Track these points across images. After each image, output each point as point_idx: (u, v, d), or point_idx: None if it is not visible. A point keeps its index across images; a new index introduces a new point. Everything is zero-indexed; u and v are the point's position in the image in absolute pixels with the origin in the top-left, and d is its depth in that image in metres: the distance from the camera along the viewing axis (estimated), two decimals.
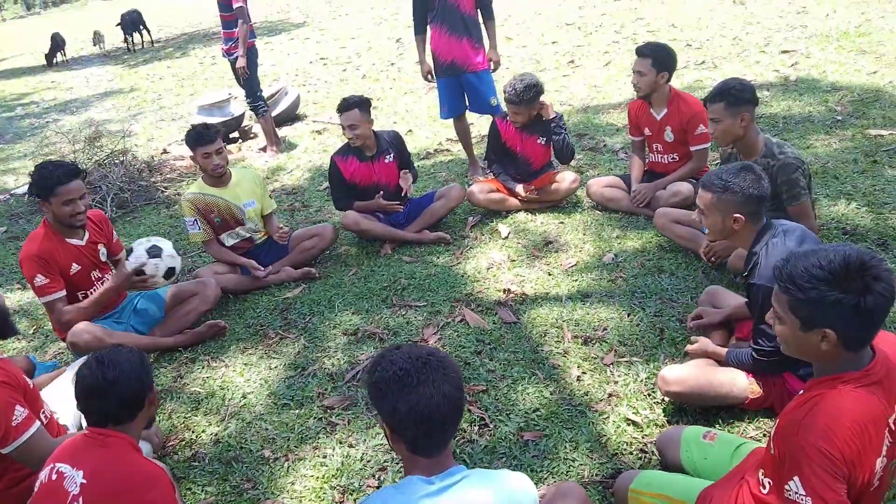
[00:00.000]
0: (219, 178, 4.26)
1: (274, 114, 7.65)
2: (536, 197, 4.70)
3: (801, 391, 1.85)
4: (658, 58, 4.16)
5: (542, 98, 4.58)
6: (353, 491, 2.65)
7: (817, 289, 1.66)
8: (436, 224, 4.73)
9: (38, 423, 2.41)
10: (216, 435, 3.08)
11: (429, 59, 5.43)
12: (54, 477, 1.98)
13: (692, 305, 3.40)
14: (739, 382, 2.57)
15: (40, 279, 3.44)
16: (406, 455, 1.68)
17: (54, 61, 18.28)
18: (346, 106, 4.42)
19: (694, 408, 2.73)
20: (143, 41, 19.07)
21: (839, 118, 5.31)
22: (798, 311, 1.72)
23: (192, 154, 4.22)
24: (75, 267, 3.59)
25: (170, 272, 3.66)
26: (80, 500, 1.91)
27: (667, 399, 2.78)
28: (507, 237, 4.47)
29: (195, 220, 4.23)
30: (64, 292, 3.53)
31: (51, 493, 1.96)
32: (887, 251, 3.55)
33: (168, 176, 6.81)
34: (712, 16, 9.93)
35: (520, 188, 4.70)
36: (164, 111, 10.10)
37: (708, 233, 2.61)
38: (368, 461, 2.79)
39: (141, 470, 1.99)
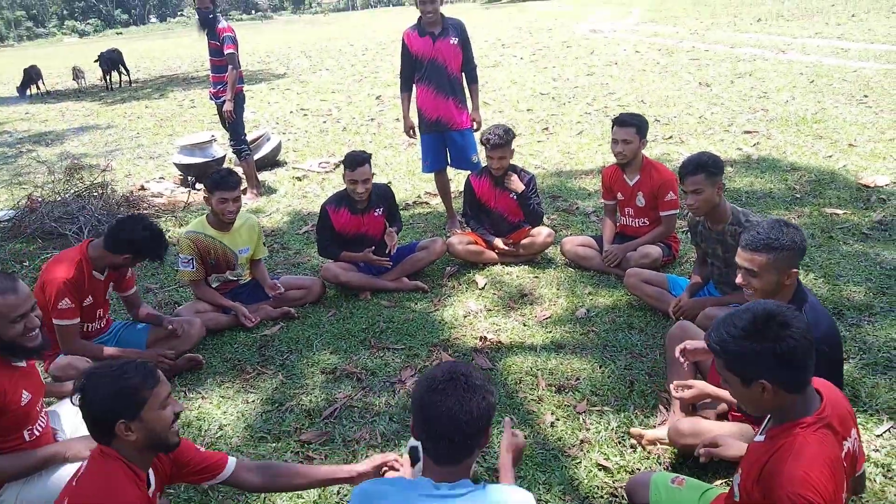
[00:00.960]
0: (227, 223, 4.33)
1: (255, 158, 7.78)
2: (513, 250, 4.87)
3: (759, 437, 2.01)
4: (641, 126, 4.45)
5: (510, 172, 4.80)
6: None
7: (736, 344, 1.86)
8: (415, 273, 4.85)
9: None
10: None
11: (412, 116, 5.65)
12: None
13: (660, 361, 3.56)
14: (746, 431, 2.63)
15: (66, 303, 3.48)
16: (426, 458, 1.83)
17: (28, 93, 18.26)
18: (359, 161, 4.50)
19: (664, 457, 2.86)
20: (121, 80, 19.19)
21: (798, 196, 5.66)
22: (733, 369, 1.90)
23: (207, 195, 4.25)
24: (89, 300, 3.65)
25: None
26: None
27: (638, 448, 2.91)
28: (483, 288, 4.61)
29: (191, 258, 4.25)
30: (79, 320, 3.59)
31: None
32: (842, 320, 3.78)
33: (145, 212, 6.84)
34: (679, 95, 10.48)
35: (497, 241, 4.87)
36: (142, 149, 10.15)
37: (750, 294, 2.60)
38: (345, 496, 2.82)
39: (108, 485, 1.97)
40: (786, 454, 1.85)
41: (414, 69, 5.45)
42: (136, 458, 2.06)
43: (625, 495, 2.66)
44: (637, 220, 4.64)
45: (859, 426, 2.35)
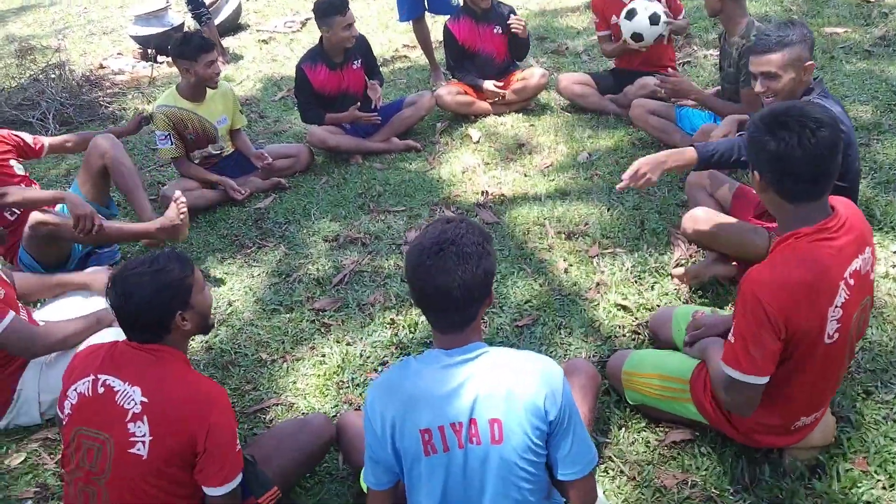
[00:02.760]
0: (202, 90, 4.03)
1: (216, 23, 7.25)
2: (505, 97, 4.65)
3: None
4: None
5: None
6: (358, 385, 2.70)
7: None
8: (405, 132, 4.66)
9: (11, 313, 2.42)
10: (206, 342, 3.06)
11: None
12: (101, 390, 1.86)
13: (669, 198, 3.50)
14: (762, 232, 2.61)
15: None
16: (432, 327, 1.72)
17: None
18: (343, 4, 4.16)
19: (682, 292, 2.85)
20: None
21: (795, 17, 5.38)
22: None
23: (185, 63, 3.91)
24: None
25: (654, 17, 4.00)
26: (144, 419, 1.82)
27: (660, 284, 2.90)
28: (478, 141, 4.45)
29: (168, 134, 3.99)
30: None
31: (104, 407, 1.85)
32: None
33: (109, 91, 6.44)
34: None
35: (488, 83, 4.62)
36: (93, 25, 9.42)
37: (771, 99, 2.56)
38: (368, 357, 2.83)
39: (202, 389, 1.90)
40: (768, 259, 1.84)
41: None
42: (184, 347, 2.02)
43: (647, 333, 2.69)
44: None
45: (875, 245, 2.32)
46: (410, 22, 5.40)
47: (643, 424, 2.34)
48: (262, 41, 7.38)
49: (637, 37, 4.05)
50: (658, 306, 2.82)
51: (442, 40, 4.93)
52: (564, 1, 6.88)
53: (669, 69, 4.36)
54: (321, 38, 4.36)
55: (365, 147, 4.51)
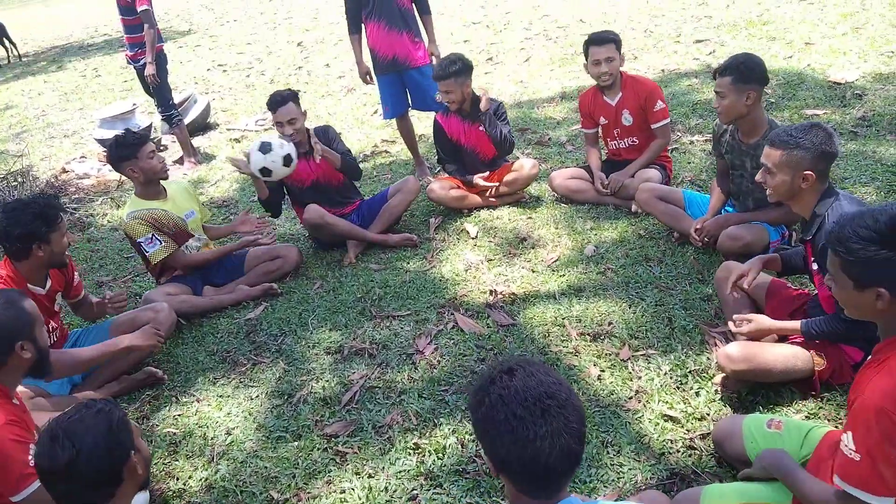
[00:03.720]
0: (156, 191, 3.86)
1: (185, 123, 7.09)
2: (494, 187, 4.53)
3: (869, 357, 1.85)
4: (618, 40, 4.14)
5: (478, 87, 4.44)
6: None
7: (866, 249, 1.69)
8: (395, 224, 4.48)
9: None
10: (207, 480, 2.71)
11: (366, 60, 5.16)
12: None
13: (692, 292, 3.35)
14: (802, 356, 2.50)
15: None
16: (512, 492, 1.48)
17: None
18: (280, 100, 4.12)
19: (736, 396, 2.65)
20: (9, 55, 17.45)
21: (772, 100, 5.48)
22: (850, 271, 1.74)
23: (127, 164, 3.77)
24: None
25: (287, 159, 3.91)
26: None
27: (706, 390, 2.70)
28: (476, 237, 4.28)
29: (152, 235, 3.78)
30: None
31: None
32: None
33: (75, 196, 6.15)
34: (617, 10, 10.17)
35: (477, 178, 4.52)
36: (53, 128, 9.18)
37: (770, 194, 2.53)
38: (395, 491, 2.51)
39: None
40: (882, 368, 1.70)
41: (360, 5, 4.93)
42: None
43: (704, 447, 2.46)
44: (626, 140, 4.36)
45: None
46: (394, 119, 5.32)
47: None
48: (234, 140, 7.24)
49: (265, 172, 3.96)
50: (708, 415, 2.60)
51: (424, 133, 4.83)
52: (537, 92, 6.95)
53: (662, 159, 4.36)
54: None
55: (359, 234, 4.30)
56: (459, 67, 4.32)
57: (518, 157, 4.94)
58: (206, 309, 3.89)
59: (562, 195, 4.52)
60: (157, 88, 6.26)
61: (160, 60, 6.22)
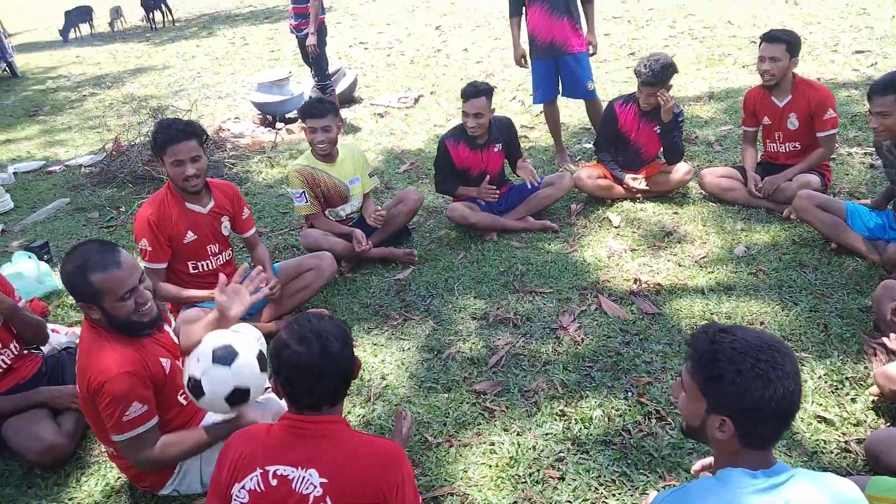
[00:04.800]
0: (325, 155, 4.12)
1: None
2: (645, 188, 4.55)
3: None
4: (793, 42, 4.04)
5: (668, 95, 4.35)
6: (536, 482, 2.51)
7: None
8: (540, 212, 4.59)
9: (151, 421, 2.31)
10: (364, 417, 2.94)
11: (522, 44, 5.27)
12: (274, 482, 1.77)
13: (849, 302, 3.28)
14: None
15: (144, 244, 3.27)
16: (729, 448, 1.56)
17: (70, 37, 18.03)
18: (474, 93, 4.22)
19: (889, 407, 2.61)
20: (164, 20, 18.80)
21: None
22: None
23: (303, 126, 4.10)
24: (191, 235, 3.38)
25: (262, 358, 2.42)
26: (328, 500, 1.74)
27: (863, 397, 2.67)
28: (619, 226, 4.33)
29: (303, 192, 4.08)
30: (165, 264, 3.37)
31: (282, 499, 1.76)
32: None
33: (233, 153, 6.63)
34: (768, 14, 9.80)
35: (628, 178, 4.55)
36: (208, 89, 9.88)
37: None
38: (542, 451, 2.64)
39: (381, 451, 1.83)
40: None
41: None
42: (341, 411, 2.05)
43: (858, 450, 2.45)
44: (787, 144, 4.27)
45: None
46: (542, 104, 5.42)
47: None
48: (378, 115, 7.55)
49: (196, 390, 2.32)
50: (865, 422, 2.58)
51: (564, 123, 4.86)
52: (683, 90, 6.85)
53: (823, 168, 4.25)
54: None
55: (500, 224, 4.45)
56: (669, 74, 4.26)
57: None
58: (354, 255, 4.10)
59: (710, 193, 4.49)
60: (316, 58, 6.64)
61: (321, 32, 6.59)
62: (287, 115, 7.61)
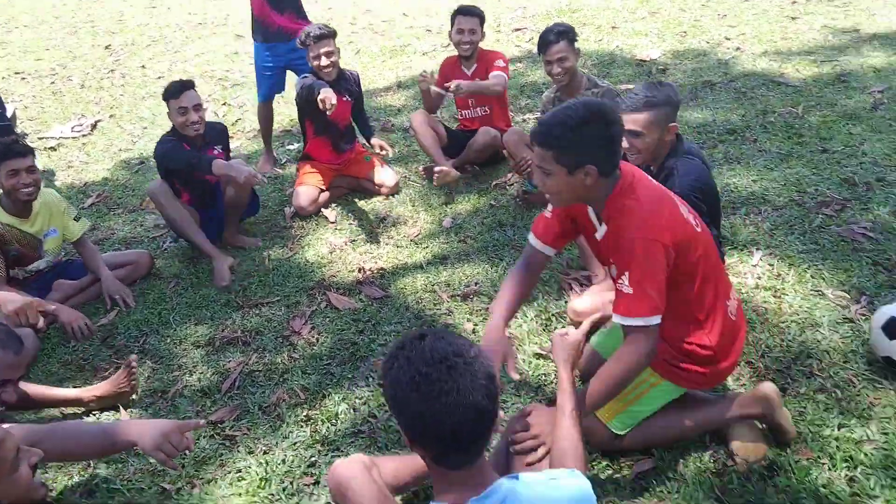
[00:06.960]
0: (26, 202, 3.50)
1: None
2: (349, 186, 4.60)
3: (599, 234, 2.18)
4: (483, 18, 4.47)
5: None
6: (291, 495, 2.39)
7: (573, 133, 1.96)
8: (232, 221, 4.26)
9: None
10: (86, 486, 2.55)
11: None
12: None
13: None
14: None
15: None
16: (431, 466, 1.49)
17: None
18: (182, 87, 3.81)
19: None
20: None
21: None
22: (562, 160, 2.00)
23: None
24: None
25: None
26: None
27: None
28: (335, 221, 4.32)
29: None
30: None
31: None
32: None
33: None
34: (439, 4, 10.53)
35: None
36: None
37: (635, 157, 2.63)
38: (293, 461, 2.53)
39: None
40: (622, 215, 2.05)
41: None
42: None
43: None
44: (479, 108, 4.63)
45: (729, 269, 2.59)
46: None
47: (605, 464, 2.33)
48: (50, 148, 6.66)
49: None
50: None
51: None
52: (373, 82, 7.06)
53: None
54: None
55: (211, 252, 3.94)
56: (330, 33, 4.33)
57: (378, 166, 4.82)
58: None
59: (415, 129, 4.49)
60: None
61: None
62: None
